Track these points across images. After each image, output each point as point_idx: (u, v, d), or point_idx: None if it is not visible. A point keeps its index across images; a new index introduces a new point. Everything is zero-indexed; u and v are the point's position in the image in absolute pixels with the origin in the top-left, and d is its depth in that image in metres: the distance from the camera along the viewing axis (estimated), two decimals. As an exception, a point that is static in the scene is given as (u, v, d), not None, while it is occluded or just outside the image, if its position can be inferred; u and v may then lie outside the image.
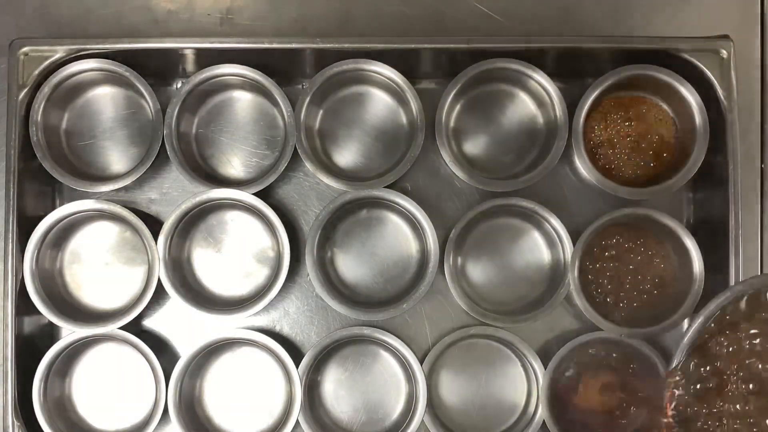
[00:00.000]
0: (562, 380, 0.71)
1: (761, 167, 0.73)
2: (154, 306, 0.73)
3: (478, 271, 0.73)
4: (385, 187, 0.70)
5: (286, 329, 0.74)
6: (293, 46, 0.70)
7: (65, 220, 0.70)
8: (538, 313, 0.70)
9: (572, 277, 0.70)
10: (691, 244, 0.70)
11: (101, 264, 0.73)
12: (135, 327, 0.71)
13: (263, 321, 0.74)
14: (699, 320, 0.61)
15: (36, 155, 0.69)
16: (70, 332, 0.70)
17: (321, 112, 0.73)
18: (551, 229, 0.71)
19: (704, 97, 0.70)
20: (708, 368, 0.60)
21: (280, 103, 0.70)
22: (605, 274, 0.72)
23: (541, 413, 0.70)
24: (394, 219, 0.73)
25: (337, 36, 0.71)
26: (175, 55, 0.71)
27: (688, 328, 0.61)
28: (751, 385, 0.59)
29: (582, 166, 0.70)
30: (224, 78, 0.71)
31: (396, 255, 0.73)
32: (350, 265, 0.73)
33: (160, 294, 0.69)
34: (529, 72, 0.70)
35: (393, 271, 0.73)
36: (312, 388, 0.73)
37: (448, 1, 0.74)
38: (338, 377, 0.73)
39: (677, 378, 0.61)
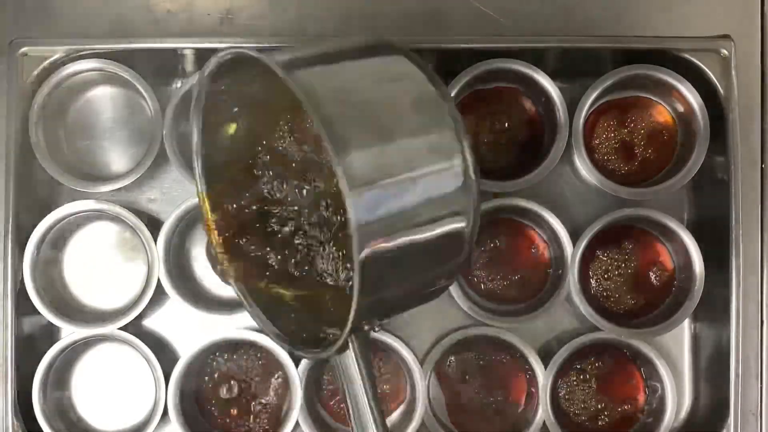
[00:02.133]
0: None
1: (762, 167, 0.73)
2: (154, 306, 0.73)
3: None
4: (385, 187, 0.70)
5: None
6: (293, 46, 0.70)
7: (65, 220, 0.70)
8: (538, 313, 0.70)
9: (572, 277, 0.70)
10: (691, 244, 0.69)
11: (101, 264, 0.73)
12: (135, 327, 0.71)
13: (263, 321, 0.74)
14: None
15: (36, 155, 0.69)
16: (70, 332, 0.70)
17: (321, 112, 0.73)
18: (551, 229, 0.71)
19: (704, 97, 0.69)
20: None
21: (280, 103, 0.70)
22: (605, 273, 0.72)
23: (542, 413, 0.70)
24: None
25: (337, 36, 0.71)
26: (175, 55, 0.71)
27: None
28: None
29: (582, 166, 0.70)
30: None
31: (396, 255, 0.73)
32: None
33: (160, 294, 0.69)
34: (529, 72, 0.70)
35: (393, 271, 0.73)
36: (312, 388, 0.73)
37: (448, 1, 0.74)
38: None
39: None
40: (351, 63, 0.52)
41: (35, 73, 0.69)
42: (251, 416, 0.72)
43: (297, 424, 0.69)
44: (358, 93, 0.50)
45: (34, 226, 0.69)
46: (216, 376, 0.72)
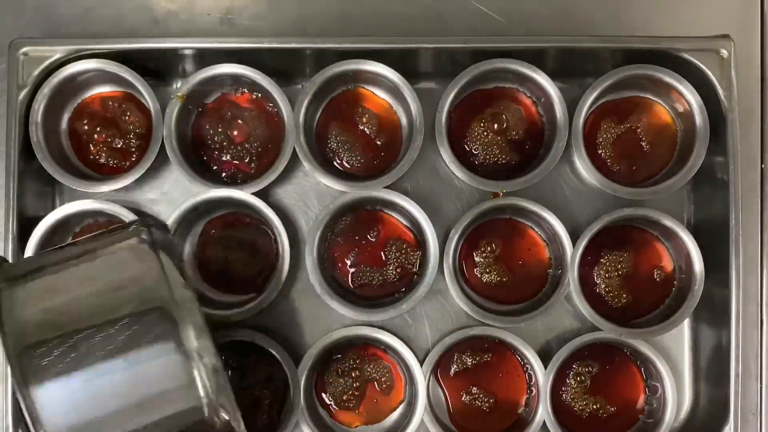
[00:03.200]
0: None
1: (761, 167, 0.73)
2: (154, 306, 0.73)
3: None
4: (384, 187, 0.70)
5: (286, 329, 0.74)
6: (293, 46, 0.70)
7: (65, 220, 0.70)
8: (538, 313, 0.70)
9: (572, 277, 0.70)
10: (691, 244, 0.70)
11: (101, 264, 0.73)
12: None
13: (263, 321, 0.74)
14: None
15: (36, 155, 0.69)
16: (70, 332, 0.70)
17: (320, 112, 0.73)
18: (551, 229, 0.71)
19: (704, 97, 0.70)
20: None
21: (280, 103, 0.70)
22: (605, 273, 0.72)
23: (541, 413, 0.70)
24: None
25: (337, 36, 0.71)
26: (175, 55, 0.71)
27: None
28: None
29: (582, 166, 0.70)
30: (224, 78, 0.71)
31: (396, 255, 0.73)
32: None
33: (160, 294, 0.69)
34: (529, 72, 0.70)
35: (393, 271, 0.73)
36: (311, 388, 0.73)
37: (448, 1, 0.74)
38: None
39: None
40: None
41: (35, 73, 0.69)
42: (251, 416, 0.72)
43: (297, 424, 0.69)
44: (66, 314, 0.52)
45: (34, 226, 0.69)
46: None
